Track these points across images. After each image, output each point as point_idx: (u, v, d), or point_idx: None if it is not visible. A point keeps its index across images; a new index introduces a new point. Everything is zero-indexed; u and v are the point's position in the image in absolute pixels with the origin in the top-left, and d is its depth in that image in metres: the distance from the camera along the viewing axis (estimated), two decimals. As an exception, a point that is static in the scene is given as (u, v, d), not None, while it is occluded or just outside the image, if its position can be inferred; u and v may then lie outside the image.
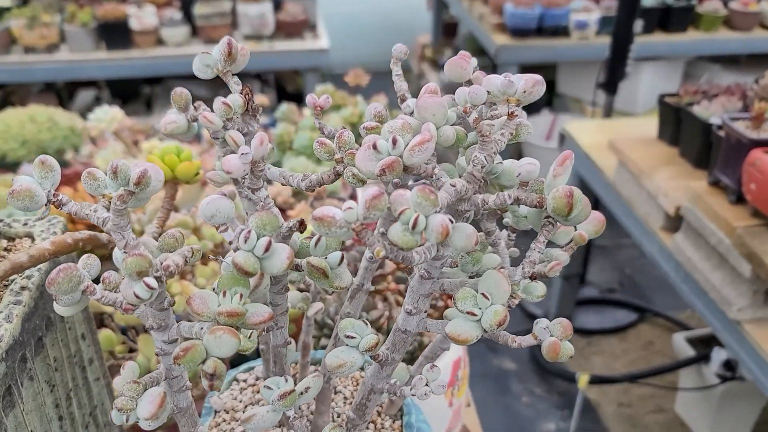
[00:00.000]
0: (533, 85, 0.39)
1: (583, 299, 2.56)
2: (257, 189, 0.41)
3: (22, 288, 0.46)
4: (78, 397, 0.54)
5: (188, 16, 2.75)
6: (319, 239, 0.41)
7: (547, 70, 3.31)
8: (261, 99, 1.93)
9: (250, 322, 0.37)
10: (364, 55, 4.57)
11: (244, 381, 0.63)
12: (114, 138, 1.38)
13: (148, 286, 0.33)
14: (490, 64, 3.35)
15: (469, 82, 0.47)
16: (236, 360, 0.82)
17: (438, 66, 3.70)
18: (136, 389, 0.39)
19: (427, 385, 0.47)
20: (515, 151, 3.18)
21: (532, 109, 3.32)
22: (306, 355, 0.61)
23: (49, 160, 0.37)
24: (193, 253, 0.37)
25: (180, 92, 0.49)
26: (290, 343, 0.51)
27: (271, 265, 0.37)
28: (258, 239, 0.37)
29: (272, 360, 0.51)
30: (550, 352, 0.41)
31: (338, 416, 0.59)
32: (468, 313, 0.41)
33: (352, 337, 0.44)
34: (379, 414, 0.60)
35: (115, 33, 2.68)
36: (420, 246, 0.38)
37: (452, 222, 0.39)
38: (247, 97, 0.46)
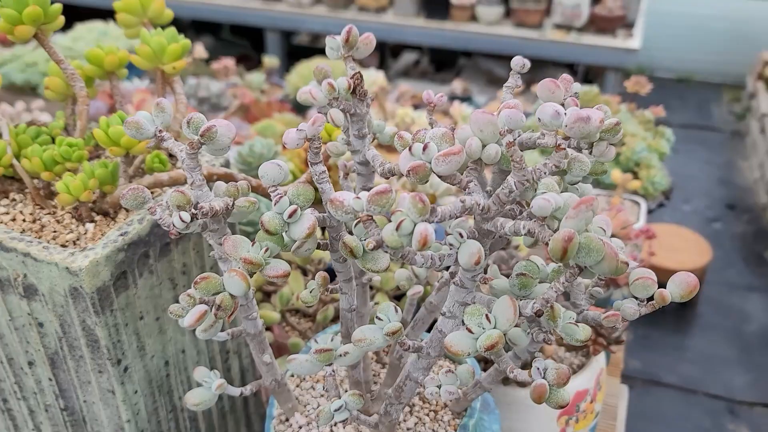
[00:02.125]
0: (574, 120, 0.37)
1: None
2: (315, 163, 0.45)
3: (163, 201, 0.57)
4: (206, 302, 0.65)
5: (506, -3, 2.81)
6: (360, 221, 0.45)
7: None
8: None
9: (266, 273, 0.42)
10: (695, 61, 4.20)
11: (347, 336, 0.69)
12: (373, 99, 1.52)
13: (181, 218, 0.41)
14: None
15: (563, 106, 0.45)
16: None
17: (773, 88, 3.25)
18: (188, 301, 0.47)
19: (439, 387, 0.48)
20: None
21: None
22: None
23: (163, 103, 0.46)
24: (234, 204, 0.43)
25: (321, 68, 0.55)
26: (354, 309, 0.55)
27: (294, 230, 0.42)
28: (289, 205, 0.42)
29: (341, 321, 0.57)
30: (533, 393, 0.40)
31: (407, 395, 0.63)
32: (467, 329, 0.41)
33: (380, 320, 0.47)
34: (444, 405, 0.62)
35: (436, 4, 2.87)
36: (425, 251, 0.40)
37: (462, 236, 0.39)
38: (355, 81, 0.50)
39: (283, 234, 0.44)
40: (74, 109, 0.67)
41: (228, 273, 0.42)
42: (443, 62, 3.72)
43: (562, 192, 0.47)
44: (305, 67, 1.99)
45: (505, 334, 0.41)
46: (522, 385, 0.75)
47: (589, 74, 3.41)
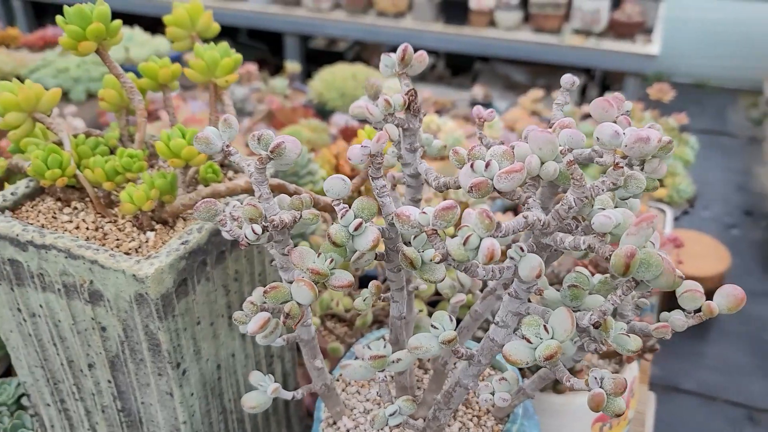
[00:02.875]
0: (635, 141, 0.39)
1: None
2: (376, 178, 0.47)
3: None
4: (254, 307, 0.67)
5: (524, 2, 2.83)
6: (419, 234, 0.47)
7: None
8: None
9: (331, 284, 0.44)
10: (712, 66, 4.20)
11: (389, 341, 0.71)
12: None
13: (253, 230, 0.43)
14: None
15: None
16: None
17: (792, 94, 3.25)
18: (251, 308, 0.49)
19: (493, 394, 0.50)
20: None
21: None
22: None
23: (230, 119, 0.48)
24: (301, 216, 0.45)
25: (372, 83, 0.58)
26: (404, 318, 0.57)
27: (359, 242, 0.44)
28: (354, 218, 0.44)
29: (390, 329, 0.59)
30: (591, 402, 0.42)
31: (450, 400, 0.64)
32: (525, 338, 0.43)
33: (436, 328, 0.49)
34: (487, 411, 0.63)
35: (454, 9, 2.89)
36: (490, 264, 0.42)
37: (523, 250, 0.41)
38: (410, 98, 0.52)
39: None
40: (128, 120, 0.69)
41: (296, 282, 0.44)
42: (459, 67, 3.73)
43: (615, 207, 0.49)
44: (328, 72, 2.01)
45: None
46: (558, 391, 0.76)
47: (606, 80, 3.41)
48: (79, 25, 0.59)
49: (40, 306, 0.58)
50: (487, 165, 0.42)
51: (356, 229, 0.44)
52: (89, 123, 1.68)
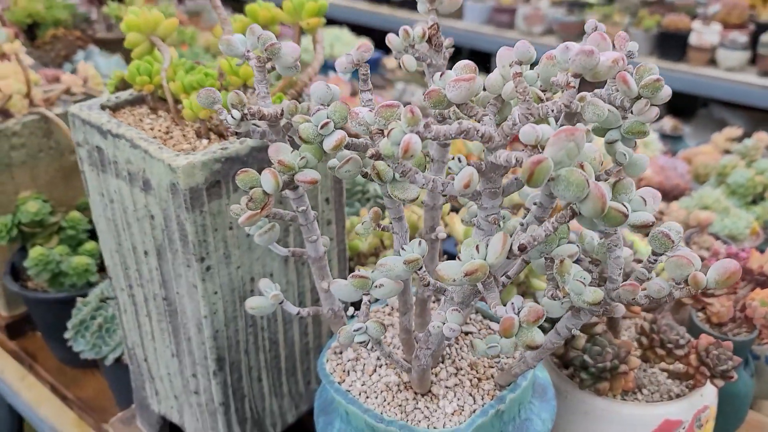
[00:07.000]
0: (577, 53, 0.37)
1: None
2: (364, 90, 0.49)
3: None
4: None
5: (753, 42, 2.58)
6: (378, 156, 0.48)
7: None
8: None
9: (297, 177, 0.47)
10: None
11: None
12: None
13: (231, 115, 0.47)
14: None
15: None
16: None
17: None
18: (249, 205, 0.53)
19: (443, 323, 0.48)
20: None
21: None
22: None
23: (255, 28, 0.53)
24: (283, 112, 0.49)
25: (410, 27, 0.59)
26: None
27: (326, 141, 0.46)
28: (326, 119, 0.46)
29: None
30: (501, 327, 0.39)
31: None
32: (458, 257, 0.42)
33: (404, 250, 0.49)
34: (491, 377, 0.61)
35: (672, 43, 2.72)
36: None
37: (462, 161, 0.41)
38: (432, 31, 0.53)
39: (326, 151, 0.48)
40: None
41: (265, 171, 0.47)
42: (680, 108, 3.49)
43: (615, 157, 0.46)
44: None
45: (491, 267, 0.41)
46: (598, 392, 0.70)
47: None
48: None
49: (115, 192, 0.68)
50: (442, 74, 0.42)
51: (322, 128, 0.46)
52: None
